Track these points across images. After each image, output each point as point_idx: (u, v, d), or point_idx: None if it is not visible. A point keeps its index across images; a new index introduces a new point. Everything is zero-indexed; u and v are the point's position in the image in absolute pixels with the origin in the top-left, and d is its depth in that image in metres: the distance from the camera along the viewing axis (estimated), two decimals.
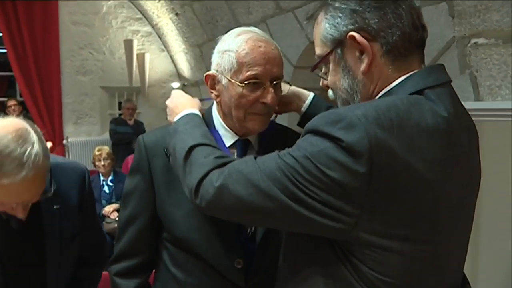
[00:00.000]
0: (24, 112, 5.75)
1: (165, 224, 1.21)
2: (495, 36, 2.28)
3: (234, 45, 1.12)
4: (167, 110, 1.23)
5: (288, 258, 0.96)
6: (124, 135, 5.54)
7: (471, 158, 0.88)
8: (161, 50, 6.65)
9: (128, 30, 6.38)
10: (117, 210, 4.03)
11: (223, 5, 4.65)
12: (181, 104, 1.18)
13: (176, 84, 6.69)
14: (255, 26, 4.69)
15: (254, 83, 1.10)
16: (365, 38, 0.83)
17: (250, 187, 0.82)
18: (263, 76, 1.10)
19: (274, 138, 1.24)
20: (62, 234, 1.32)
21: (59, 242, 1.32)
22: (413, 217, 0.78)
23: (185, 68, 6.49)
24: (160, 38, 6.59)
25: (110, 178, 4.28)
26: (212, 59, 1.19)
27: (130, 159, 5.31)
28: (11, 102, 5.56)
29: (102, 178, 4.26)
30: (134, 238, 1.24)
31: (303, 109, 1.28)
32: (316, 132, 0.79)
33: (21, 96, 5.92)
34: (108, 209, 4.02)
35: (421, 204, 0.78)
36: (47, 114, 5.84)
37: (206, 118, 1.24)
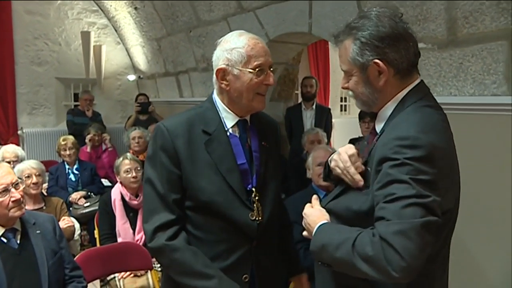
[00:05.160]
0: None
1: (191, 192, 1.45)
2: (431, 42, 2.73)
3: (240, 43, 1.45)
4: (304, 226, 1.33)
5: None
6: (82, 126, 5.50)
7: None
8: (117, 42, 6.73)
9: (84, 21, 6.40)
10: (84, 197, 4.17)
11: (184, 1, 4.86)
12: (313, 222, 1.27)
13: (132, 77, 6.80)
14: (216, 24, 4.98)
15: (260, 69, 1.44)
16: (385, 63, 1.18)
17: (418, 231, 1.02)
18: (265, 64, 1.46)
19: (259, 118, 1.61)
20: (46, 249, 1.99)
21: (45, 253, 1.97)
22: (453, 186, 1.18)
23: (141, 61, 6.61)
24: (116, 31, 6.66)
25: (75, 166, 4.39)
26: (218, 57, 1.49)
27: (84, 148, 5.25)
28: None
29: (67, 166, 4.36)
30: (168, 210, 1.43)
31: None
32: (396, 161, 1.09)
33: None
34: (74, 196, 4.13)
35: (455, 172, 1.20)
36: (0, 104, 5.76)
37: (209, 102, 1.55)
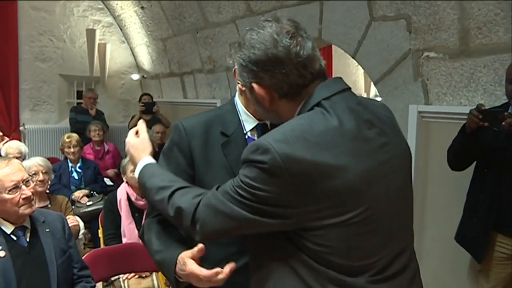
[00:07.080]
0: None
1: None
2: (443, 51, 2.73)
3: None
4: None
5: (256, 256, 1.18)
6: (85, 124, 5.47)
7: (382, 141, 1.09)
8: (121, 41, 6.72)
9: (89, 19, 6.39)
10: (87, 196, 4.15)
11: (193, 2, 4.85)
12: (133, 158, 1.38)
13: (135, 76, 6.79)
14: (224, 26, 4.93)
15: None
16: (264, 87, 1.10)
17: (221, 216, 1.08)
18: None
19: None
20: (55, 248, 1.96)
21: (54, 252, 1.94)
22: (336, 197, 1.00)
23: (145, 60, 6.60)
24: (121, 29, 6.65)
25: (78, 164, 4.37)
26: None
27: (86, 148, 5.22)
28: None
29: (70, 164, 4.34)
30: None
31: None
32: (247, 162, 1.05)
33: None
34: (77, 194, 4.12)
35: (339, 186, 0.99)
36: (3, 99, 5.74)
37: (230, 105, 1.53)
